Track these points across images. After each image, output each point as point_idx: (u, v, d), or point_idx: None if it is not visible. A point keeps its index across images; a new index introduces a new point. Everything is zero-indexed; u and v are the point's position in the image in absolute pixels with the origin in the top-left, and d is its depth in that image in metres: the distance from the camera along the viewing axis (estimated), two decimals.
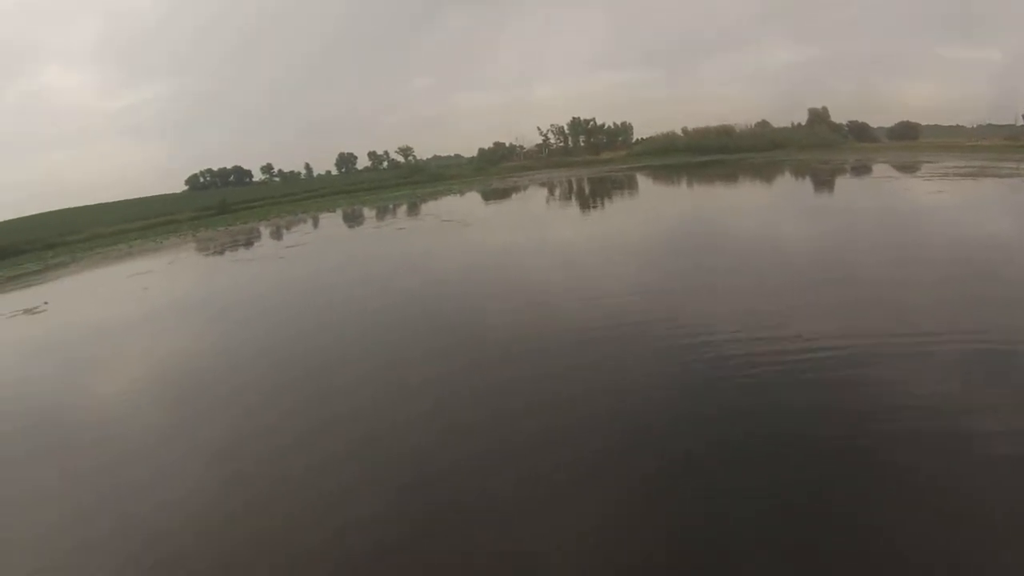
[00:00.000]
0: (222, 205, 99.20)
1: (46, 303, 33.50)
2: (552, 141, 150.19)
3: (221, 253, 48.87)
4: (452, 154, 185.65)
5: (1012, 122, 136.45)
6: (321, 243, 47.29)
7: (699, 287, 20.40)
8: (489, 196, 74.05)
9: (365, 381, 15.11)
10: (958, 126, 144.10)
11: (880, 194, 44.46)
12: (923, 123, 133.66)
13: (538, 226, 41.69)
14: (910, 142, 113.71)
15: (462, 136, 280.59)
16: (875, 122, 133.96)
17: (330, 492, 10.21)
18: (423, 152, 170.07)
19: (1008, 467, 8.59)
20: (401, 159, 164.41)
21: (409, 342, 17.83)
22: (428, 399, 13.37)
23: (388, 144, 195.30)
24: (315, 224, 63.92)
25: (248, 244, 52.86)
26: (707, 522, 8.35)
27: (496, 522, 8.90)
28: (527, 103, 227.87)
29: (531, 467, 10.11)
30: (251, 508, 10.08)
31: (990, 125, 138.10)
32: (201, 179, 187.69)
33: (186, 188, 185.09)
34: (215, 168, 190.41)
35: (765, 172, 71.22)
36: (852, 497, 8.44)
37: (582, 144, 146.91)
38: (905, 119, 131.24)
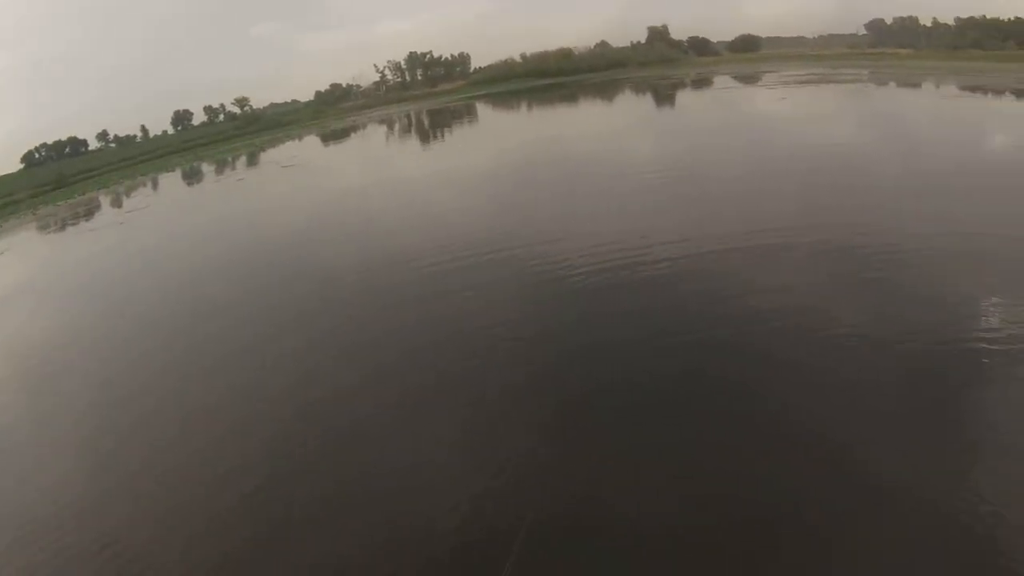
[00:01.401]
0: (59, 179, 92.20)
1: None
2: (389, 78, 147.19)
3: (63, 228, 44.71)
4: (288, 100, 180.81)
5: (853, 32, 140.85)
6: (162, 205, 43.95)
7: (553, 212, 19.98)
8: (328, 138, 71.31)
9: (235, 327, 15.28)
10: (800, 37, 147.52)
11: (721, 104, 44.75)
12: (765, 36, 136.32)
13: (375, 162, 40.58)
14: (751, 54, 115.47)
15: (302, 82, 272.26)
16: (716, 37, 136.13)
17: (225, 430, 10.66)
18: (260, 101, 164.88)
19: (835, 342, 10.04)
20: (237, 110, 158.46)
21: (268, 288, 17.84)
22: (301, 338, 13.69)
23: (228, 97, 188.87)
24: (154, 186, 59.77)
25: (89, 215, 48.10)
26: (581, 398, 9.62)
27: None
28: (367, 42, 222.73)
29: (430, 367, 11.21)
30: (147, 459, 10.32)
31: (832, 35, 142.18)
32: (37, 155, 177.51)
33: (23, 166, 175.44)
34: (50, 142, 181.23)
35: (604, 91, 70.15)
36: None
37: (419, 78, 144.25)
38: (745, 32, 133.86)
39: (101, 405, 12.59)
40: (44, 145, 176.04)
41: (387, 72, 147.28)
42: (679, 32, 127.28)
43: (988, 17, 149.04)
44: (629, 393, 9.49)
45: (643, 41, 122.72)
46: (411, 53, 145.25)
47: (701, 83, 65.36)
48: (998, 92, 49.43)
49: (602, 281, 13.35)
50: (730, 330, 10.71)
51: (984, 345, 9.38)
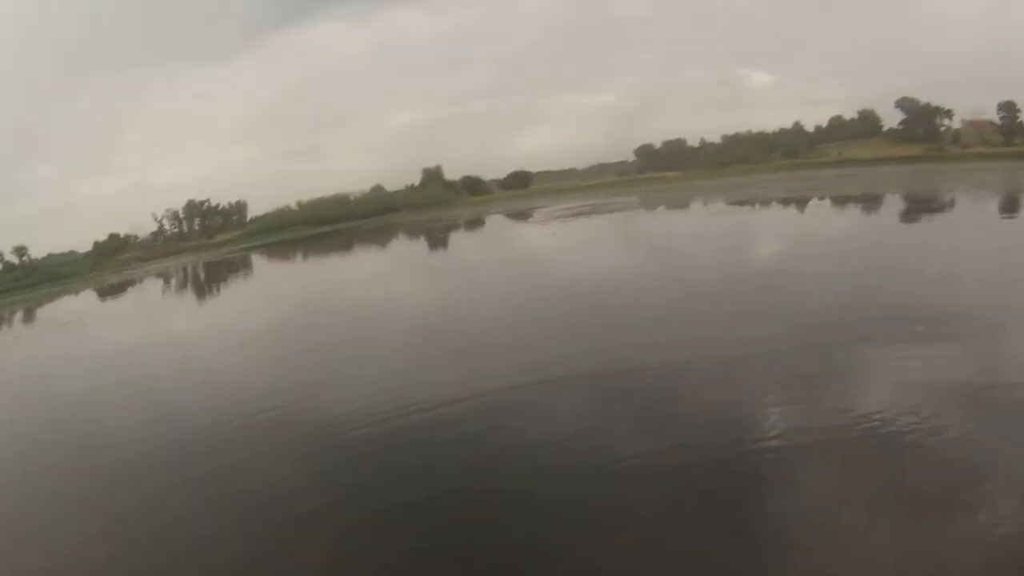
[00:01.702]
0: None
1: None
2: (167, 228, 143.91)
3: None
4: (67, 250, 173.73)
5: (623, 159, 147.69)
6: None
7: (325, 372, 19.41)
8: (105, 293, 68.09)
9: None
10: (571, 169, 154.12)
11: (493, 244, 46.88)
12: (536, 170, 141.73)
13: (150, 320, 39.33)
14: (523, 190, 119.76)
15: (80, 229, 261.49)
16: (488, 175, 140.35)
17: None
18: (38, 250, 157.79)
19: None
20: (16, 260, 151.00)
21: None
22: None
23: (4, 243, 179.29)
24: None
25: None
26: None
27: None
28: (149, 188, 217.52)
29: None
30: None
31: (603, 164, 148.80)
32: None
33: None
34: None
35: (378, 237, 71.31)
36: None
37: (197, 228, 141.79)
38: (518, 169, 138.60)
39: None
40: None
41: (165, 222, 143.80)
42: (453, 172, 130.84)
43: (754, 131, 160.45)
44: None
45: (417, 183, 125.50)
46: (189, 201, 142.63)
47: (474, 223, 67.23)
48: (765, 203, 54.04)
49: (378, 435, 13.02)
50: (503, 479, 10.57)
51: (769, 455, 9.75)
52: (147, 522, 11.38)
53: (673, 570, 8.15)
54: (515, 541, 8.96)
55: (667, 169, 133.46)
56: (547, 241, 40.91)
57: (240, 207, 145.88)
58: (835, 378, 12.44)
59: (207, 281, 62.42)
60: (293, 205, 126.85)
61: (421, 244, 58.57)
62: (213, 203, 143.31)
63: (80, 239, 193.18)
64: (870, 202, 50.84)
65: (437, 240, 57.86)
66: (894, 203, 49.45)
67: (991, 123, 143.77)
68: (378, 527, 9.93)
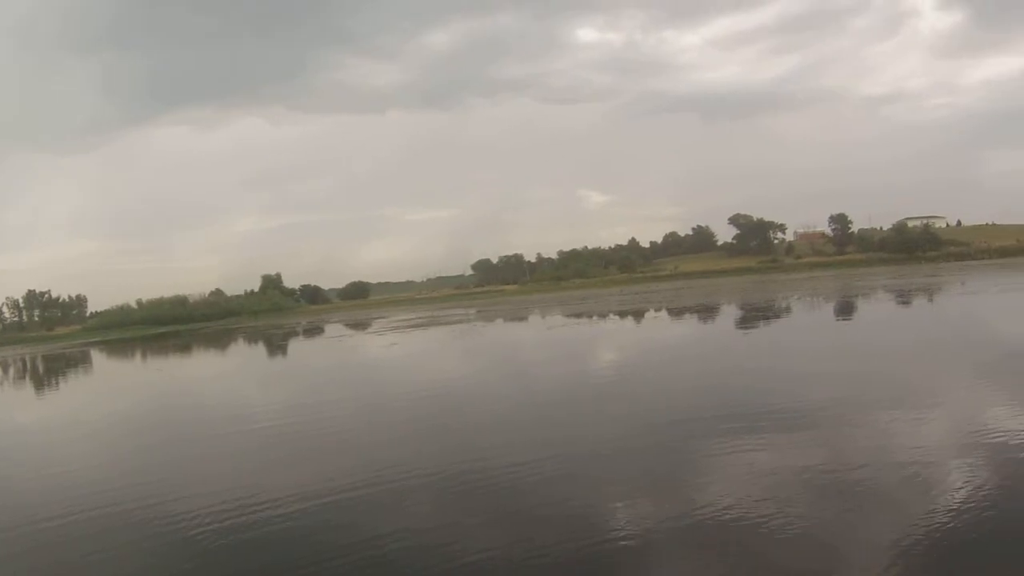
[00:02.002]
0: None
1: None
2: (7, 316, 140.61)
3: None
4: None
5: (461, 272, 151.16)
6: None
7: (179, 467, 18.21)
8: None
9: None
10: (410, 281, 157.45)
11: (332, 353, 47.74)
12: (374, 281, 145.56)
13: None
14: (361, 300, 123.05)
15: None
16: (327, 284, 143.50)
17: None
18: None
19: None
20: None
21: None
22: None
23: None
24: None
25: None
26: None
27: None
28: None
29: None
30: None
31: (440, 277, 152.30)
32: None
33: None
34: None
35: (218, 341, 72.64)
36: None
37: (36, 319, 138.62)
38: (357, 279, 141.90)
39: None
40: None
41: (5, 310, 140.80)
42: (292, 280, 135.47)
43: (590, 247, 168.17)
44: None
45: (256, 289, 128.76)
46: (30, 291, 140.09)
47: (314, 331, 69.38)
48: (602, 315, 57.66)
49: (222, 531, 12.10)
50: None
51: (621, 544, 9.70)
52: None
53: None
54: None
55: (502, 283, 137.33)
56: (387, 351, 42.41)
57: (80, 301, 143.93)
58: (683, 471, 12.97)
59: (46, 374, 61.59)
60: (133, 303, 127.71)
61: (261, 349, 60.11)
62: (54, 295, 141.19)
63: None
64: (706, 312, 54.63)
65: (277, 346, 59.60)
66: (731, 312, 53.67)
67: (823, 234, 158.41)
68: None
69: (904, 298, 51.28)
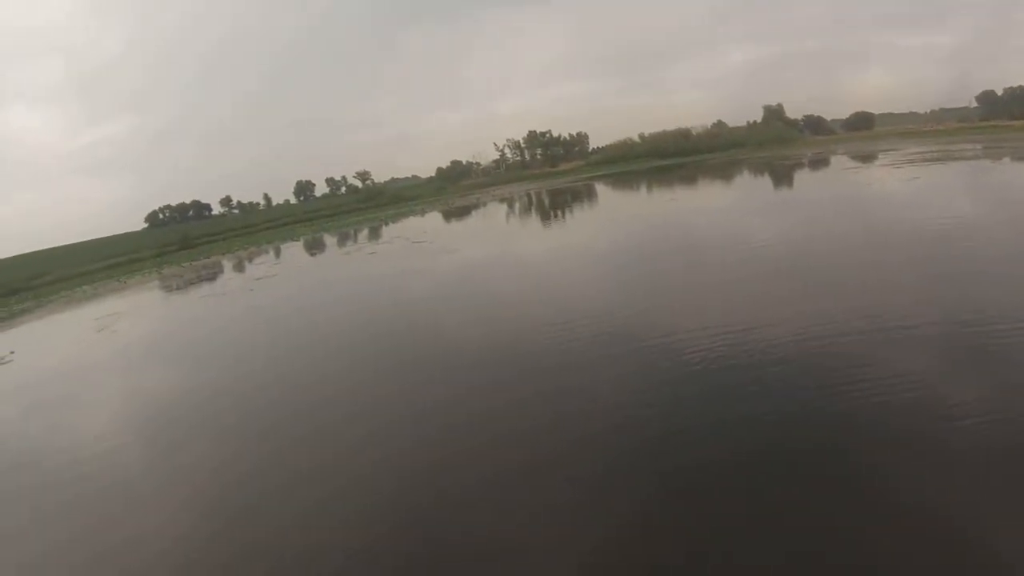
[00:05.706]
0: (184, 240, 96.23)
1: (12, 352, 30.71)
2: (509, 156, 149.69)
3: (186, 290, 46.02)
4: (409, 175, 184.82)
5: (965, 104, 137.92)
6: (289, 273, 44.22)
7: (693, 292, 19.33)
8: (451, 215, 72.26)
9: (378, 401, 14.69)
10: (912, 112, 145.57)
11: (848, 185, 43.30)
12: (877, 112, 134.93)
13: (506, 241, 40.94)
14: (866, 132, 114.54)
15: (421, 157, 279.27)
16: (830, 115, 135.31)
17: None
18: (380, 175, 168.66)
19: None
20: (359, 183, 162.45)
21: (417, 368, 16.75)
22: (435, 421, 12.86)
23: (347, 170, 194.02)
24: (277, 254, 61.26)
25: (212, 279, 49.57)
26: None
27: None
28: (487, 120, 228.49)
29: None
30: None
31: (943, 109, 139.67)
32: (160, 215, 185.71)
33: (146, 225, 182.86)
34: (174, 203, 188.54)
35: (724, 172, 70.26)
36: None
37: (539, 157, 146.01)
38: (859, 110, 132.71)
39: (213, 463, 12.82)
40: (168, 207, 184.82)
41: (507, 151, 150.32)
42: (794, 111, 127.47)
43: None
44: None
45: (759, 120, 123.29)
46: (530, 132, 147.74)
47: (819, 163, 64.94)
48: None
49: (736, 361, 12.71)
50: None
51: None
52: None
53: None
54: None
55: (1009, 118, 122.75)
56: (909, 185, 37.85)
57: (581, 138, 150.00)
58: None
59: (552, 207, 64.06)
60: (635, 137, 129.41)
61: (771, 180, 56.86)
62: (554, 135, 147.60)
63: (416, 166, 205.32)
64: None
65: (785, 177, 56.10)
66: None
67: None
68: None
69: None
